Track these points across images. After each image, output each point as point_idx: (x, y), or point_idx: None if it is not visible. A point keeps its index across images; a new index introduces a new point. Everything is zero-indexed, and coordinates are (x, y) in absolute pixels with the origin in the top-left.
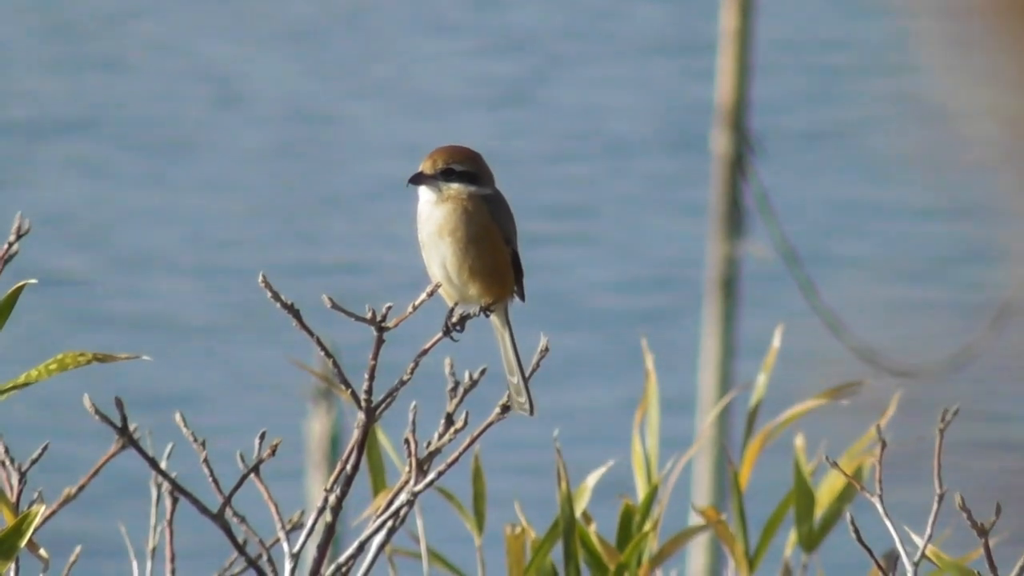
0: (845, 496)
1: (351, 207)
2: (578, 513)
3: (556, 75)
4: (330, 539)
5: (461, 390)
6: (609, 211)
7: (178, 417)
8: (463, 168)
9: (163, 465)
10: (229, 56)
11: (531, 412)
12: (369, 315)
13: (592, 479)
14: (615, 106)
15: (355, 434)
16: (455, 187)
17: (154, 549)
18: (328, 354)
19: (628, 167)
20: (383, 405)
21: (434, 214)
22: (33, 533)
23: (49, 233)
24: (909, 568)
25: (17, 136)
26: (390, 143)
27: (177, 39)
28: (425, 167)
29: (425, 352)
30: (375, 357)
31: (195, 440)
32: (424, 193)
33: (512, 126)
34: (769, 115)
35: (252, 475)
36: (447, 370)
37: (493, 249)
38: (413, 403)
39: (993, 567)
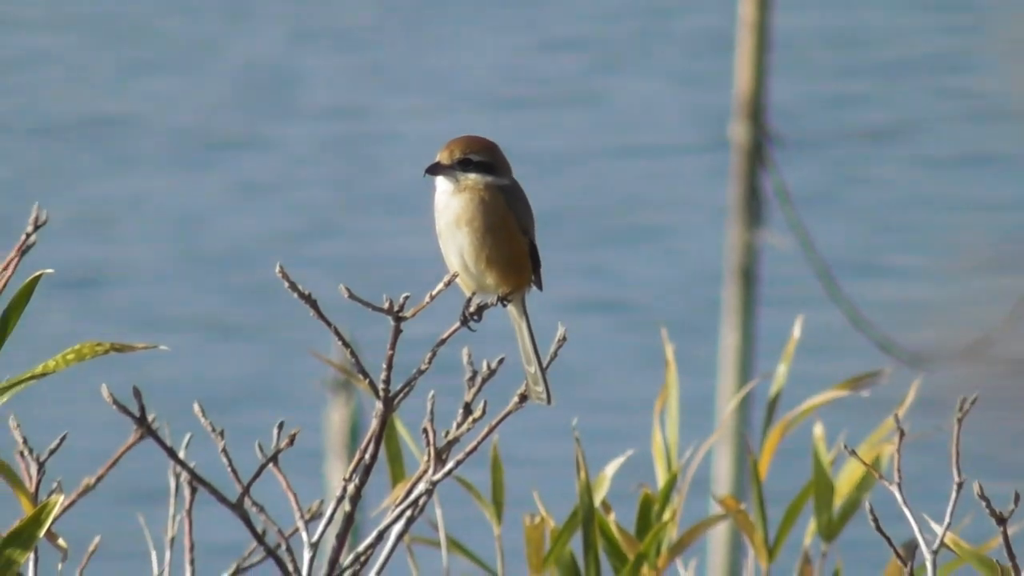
0: (864, 485)
1: (399, 206)
2: (597, 502)
3: (606, 74)
4: (349, 528)
5: (479, 379)
6: (659, 210)
7: (196, 408)
8: (480, 158)
9: (181, 455)
10: (278, 54)
11: (548, 401)
12: (386, 305)
13: (611, 468)
14: (667, 104)
15: (373, 424)
16: (472, 177)
17: (172, 539)
18: (346, 344)
19: (676, 167)
20: (401, 395)
21: (451, 204)
22: (52, 523)
23: (88, 232)
24: (928, 557)
25: (65, 135)
26: (439, 141)
27: (224, 37)
28: (442, 157)
29: (443, 342)
30: (393, 347)
31: (213, 430)
32: (441, 183)
33: (561, 125)
34: (820, 113)
35: (271, 465)
36: (465, 360)
37: (510, 239)
38: (431, 392)
39: (1012, 555)
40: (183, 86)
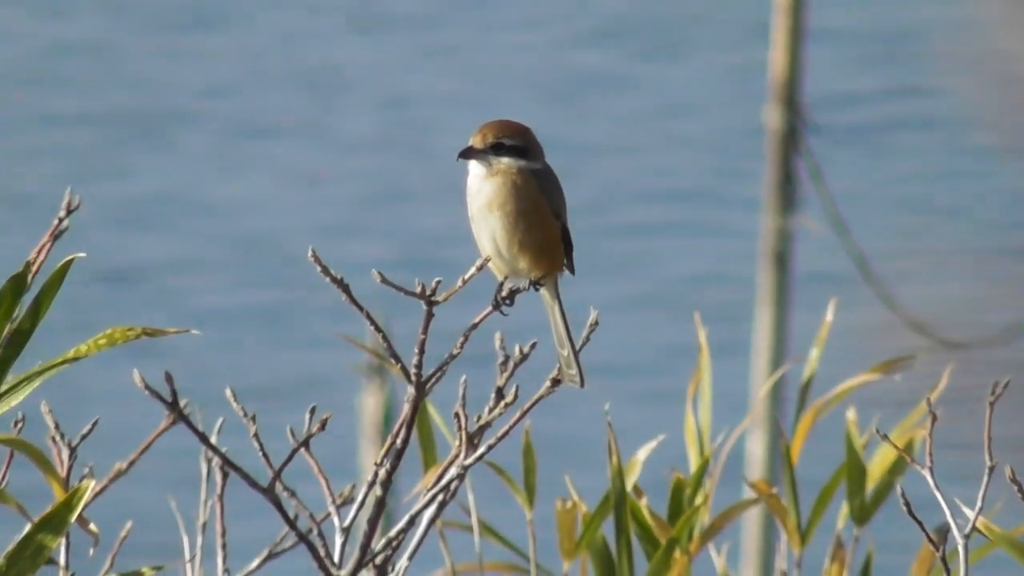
0: (896, 469)
1: (447, 197)
2: (629, 487)
3: (648, 64)
4: (381, 513)
5: (511, 364)
6: (701, 200)
7: (228, 392)
8: (513, 142)
9: (213, 440)
10: (330, 44)
11: (581, 384)
12: (419, 289)
13: (643, 453)
14: (711, 95)
15: (406, 409)
16: (505, 161)
17: (204, 524)
18: (378, 329)
19: (720, 156)
20: (433, 379)
21: (483, 188)
22: (83, 508)
23: (134, 222)
24: (959, 541)
25: (119, 125)
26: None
27: (278, 27)
28: (475, 141)
29: (475, 326)
30: (425, 331)
31: (245, 415)
32: (474, 167)
33: (608, 115)
34: (860, 105)
35: (303, 450)
36: (497, 344)
37: (542, 223)
38: (463, 377)
39: None
40: (231, 75)
